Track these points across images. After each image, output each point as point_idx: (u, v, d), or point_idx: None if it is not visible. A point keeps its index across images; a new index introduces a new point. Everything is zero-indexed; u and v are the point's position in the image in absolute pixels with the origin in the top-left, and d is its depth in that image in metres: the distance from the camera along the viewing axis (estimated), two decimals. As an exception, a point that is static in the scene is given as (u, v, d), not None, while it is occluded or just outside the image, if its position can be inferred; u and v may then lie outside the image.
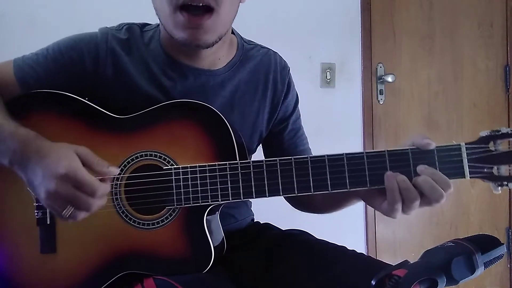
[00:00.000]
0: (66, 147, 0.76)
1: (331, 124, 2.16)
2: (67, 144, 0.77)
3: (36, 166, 0.73)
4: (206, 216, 0.82)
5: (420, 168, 0.76)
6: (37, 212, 0.83)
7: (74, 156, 0.74)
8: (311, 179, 0.79)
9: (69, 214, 0.73)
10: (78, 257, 0.83)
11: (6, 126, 0.79)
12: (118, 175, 0.83)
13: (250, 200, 1.09)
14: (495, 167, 0.76)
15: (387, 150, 0.78)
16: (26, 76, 0.88)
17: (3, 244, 0.85)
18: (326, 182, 0.79)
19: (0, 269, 0.84)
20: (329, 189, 0.78)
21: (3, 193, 0.85)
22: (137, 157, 0.84)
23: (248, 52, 0.99)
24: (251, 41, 1.03)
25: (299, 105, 1.08)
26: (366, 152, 0.78)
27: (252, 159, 0.86)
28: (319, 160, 0.79)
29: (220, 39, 0.86)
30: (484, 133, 0.77)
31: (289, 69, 1.04)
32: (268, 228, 1.06)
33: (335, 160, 0.79)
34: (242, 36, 1.02)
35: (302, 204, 1.05)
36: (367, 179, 0.78)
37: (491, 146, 0.76)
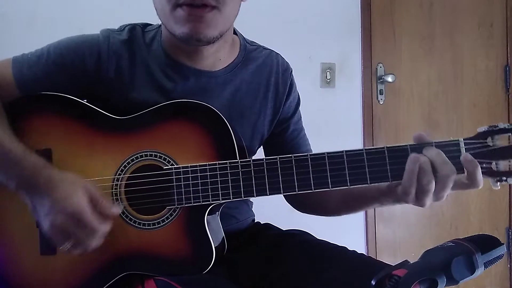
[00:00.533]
0: (75, 183, 0.77)
1: (331, 124, 2.16)
2: (75, 177, 0.78)
3: (44, 197, 0.75)
4: (207, 215, 0.82)
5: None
6: None
7: (83, 194, 0.75)
8: (311, 177, 0.79)
9: (66, 248, 0.76)
10: (78, 259, 0.82)
11: (14, 151, 0.79)
12: (117, 175, 0.83)
13: (251, 200, 1.09)
14: (494, 162, 0.75)
15: (386, 147, 0.78)
16: (25, 78, 0.88)
17: (3, 246, 0.84)
18: (326, 179, 0.79)
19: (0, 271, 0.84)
20: (330, 186, 0.79)
21: (3, 195, 0.85)
22: (137, 158, 0.83)
23: (250, 53, 0.99)
24: (253, 42, 1.03)
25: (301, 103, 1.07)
26: (366, 149, 0.79)
27: (251, 159, 0.86)
28: (319, 158, 0.79)
29: (221, 36, 0.85)
30: (482, 128, 0.77)
31: (292, 71, 1.04)
32: (268, 228, 1.06)
33: (335, 158, 0.79)
34: (244, 36, 1.02)
35: (313, 205, 1.04)
36: (367, 176, 0.78)
37: (489, 141, 0.76)
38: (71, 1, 1.86)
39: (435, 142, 0.77)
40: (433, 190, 0.74)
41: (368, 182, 0.78)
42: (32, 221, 0.83)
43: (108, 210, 0.77)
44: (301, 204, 1.06)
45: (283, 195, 1.00)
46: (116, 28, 0.95)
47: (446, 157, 0.74)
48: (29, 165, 0.77)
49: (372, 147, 0.79)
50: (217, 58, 0.93)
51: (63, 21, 1.78)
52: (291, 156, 0.80)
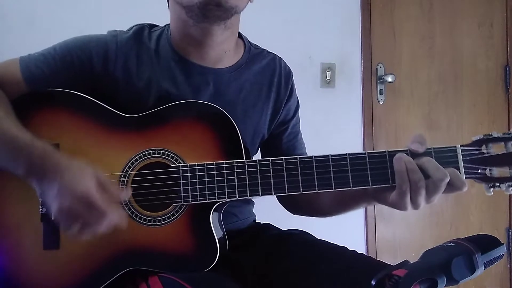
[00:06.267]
0: (84, 168, 0.77)
1: (331, 124, 2.16)
2: (83, 164, 0.78)
3: (53, 180, 0.75)
4: (212, 213, 0.83)
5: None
6: (41, 208, 0.83)
7: (91, 178, 0.75)
8: (315, 178, 0.81)
9: (73, 232, 0.75)
10: (82, 253, 0.83)
11: (21, 137, 0.79)
12: (125, 172, 0.83)
13: (252, 200, 1.09)
14: (488, 169, 0.79)
15: (388, 151, 0.80)
16: (34, 76, 0.88)
17: (6, 240, 0.84)
18: (330, 181, 0.80)
19: (2, 265, 0.84)
20: (333, 187, 0.80)
21: (7, 189, 0.85)
22: (144, 155, 0.84)
23: (254, 55, 1.01)
24: (257, 45, 1.05)
25: (299, 106, 1.09)
26: (368, 152, 0.81)
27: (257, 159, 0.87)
28: (323, 160, 0.81)
29: (235, 13, 0.86)
30: (476, 137, 0.80)
31: (293, 75, 1.06)
32: (268, 228, 1.06)
33: (339, 160, 0.81)
34: (249, 40, 1.03)
35: (306, 206, 1.04)
36: (369, 178, 0.80)
37: (483, 149, 0.79)
38: (71, 1, 1.86)
39: (433, 148, 0.79)
40: (424, 188, 0.76)
41: (370, 184, 0.80)
42: (36, 216, 0.83)
43: (117, 195, 0.77)
44: (294, 205, 1.06)
45: (276, 197, 1.02)
46: (124, 30, 0.96)
47: (437, 163, 0.76)
48: (38, 150, 0.77)
49: (374, 151, 0.81)
50: (223, 50, 0.94)
51: (63, 21, 1.78)
52: (297, 157, 0.82)
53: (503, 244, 0.65)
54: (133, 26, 0.96)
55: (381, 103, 2.27)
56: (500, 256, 0.64)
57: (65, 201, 0.73)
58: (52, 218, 0.76)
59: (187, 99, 0.89)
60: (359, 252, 0.91)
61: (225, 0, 0.82)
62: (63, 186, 0.74)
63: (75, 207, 0.73)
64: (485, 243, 0.64)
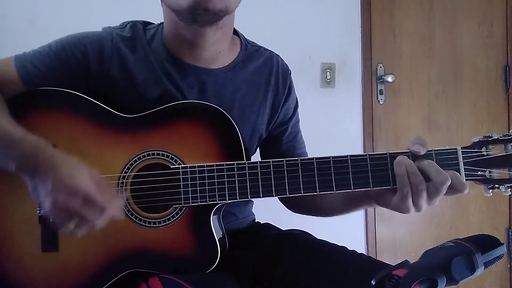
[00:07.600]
0: (79, 164, 0.75)
1: (331, 124, 2.16)
2: (78, 160, 0.76)
3: (46, 175, 0.73)
4: (212, 215, 0.83)
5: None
6: (39, 210, 0.83)
7: (88, 175, 0.74)
8: (316, 180, 0.80)
9: (69, 229, 0.73)
10: (81, 256, 0.83)
11: (14, 132, 0.77)
12: (124, 173, 0.83)
13: (252, 200, 1.09)
14: (488, 171, 0.79)
15: (389, 153, 0.80)
16: (30, 74, 0.87)
17: (4, 243, 0.84)
18: (331, 182, 0.80)
19: (0, 268, 0.83)
20: (334, 189, 0.80)
21: (4, 191, 0.85)
22: (144, 156, 0.84)
23: (251, 53, 0.99)
24: (254, 42, 1.03)
25: (299, 106, 1.08)
26: (369, 154, 0.81)
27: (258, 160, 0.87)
28: (325, 162, 0.81)
29: (225, 15, 0.84)
30: (476, 138, 0.81)
31: (291, 73, 1.04)
32: (268, 228, 1.06)
33: (340, 162, 0.81)
34: (246, 37, 1.02)
35: (307, 206, 1.04)
36: (370, 180, 0.80)
37: (483, 150, 0.79)
38: (71, 1, 1.86)
39: (434, 150, 0.79)
40: (425, 190, 0.76)
41: (371, 186, 0.80)
42: (34, 218, 0.83)
43: (113, 192, 0.76)
44: (295, 203, 1.06)
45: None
46: (118, 25, 0.94)
47: (438, 166, 0.76)
48: (30, 144, 0.75)
49: (375, 153, 0.81)
50: (217, 50, 0.93)
51: (63, 21, 1.78)
52: (298, 159, 0.82)
53: (503, 244, 0.65)
54: (128, 23, 0.94)
55: (381, 103, 2.27)
56: (500, 256, 0.64)
57: (61, 197, 0.71)
58: (45, 215, 0.75)
59: (183, 100, 0.89)
60: (359, 252, 0.91)
61: (212, 5, 0.79)
62: (57, 182, 0.72)
63: (71, 202, 0.71)
64: (485, 243, 0.64)
